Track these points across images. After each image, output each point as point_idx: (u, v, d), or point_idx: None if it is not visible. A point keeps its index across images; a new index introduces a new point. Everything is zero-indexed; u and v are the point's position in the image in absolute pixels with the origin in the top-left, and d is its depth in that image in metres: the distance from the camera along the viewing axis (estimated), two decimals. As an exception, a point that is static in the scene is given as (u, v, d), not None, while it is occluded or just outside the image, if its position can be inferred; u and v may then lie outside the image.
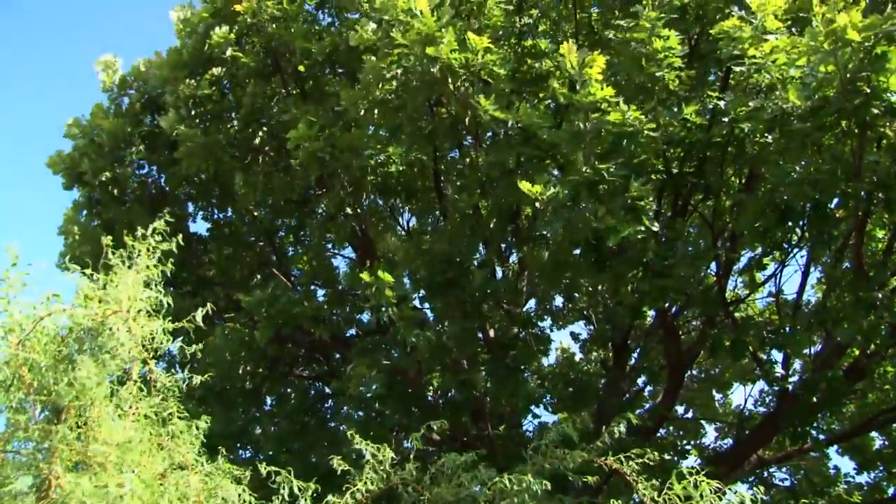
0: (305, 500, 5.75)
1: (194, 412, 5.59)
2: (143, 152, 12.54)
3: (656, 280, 8.66)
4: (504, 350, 10.34)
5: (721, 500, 4.97)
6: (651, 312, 11.87)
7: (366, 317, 11.91)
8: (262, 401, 14.00)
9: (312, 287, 13.80)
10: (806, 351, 12.16)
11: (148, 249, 5.39)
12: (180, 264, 11.07)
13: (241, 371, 12.75)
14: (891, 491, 12.92)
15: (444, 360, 10.29)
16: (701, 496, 4.91)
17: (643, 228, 7.87)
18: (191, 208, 13.72)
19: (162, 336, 5.32)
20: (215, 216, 13.87)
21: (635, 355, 12.85)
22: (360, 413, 11.68)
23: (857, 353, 10.68)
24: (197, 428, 5.39)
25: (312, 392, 14.45)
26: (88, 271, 5.20)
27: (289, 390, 14.31)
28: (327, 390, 13.80)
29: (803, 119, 8.41)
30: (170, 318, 5.36)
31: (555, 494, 6.77)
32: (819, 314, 9.60)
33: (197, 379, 5.75)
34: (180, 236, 5.63)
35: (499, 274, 11.70)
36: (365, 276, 9.07)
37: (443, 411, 10.40)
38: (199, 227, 21.78)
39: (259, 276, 13.74)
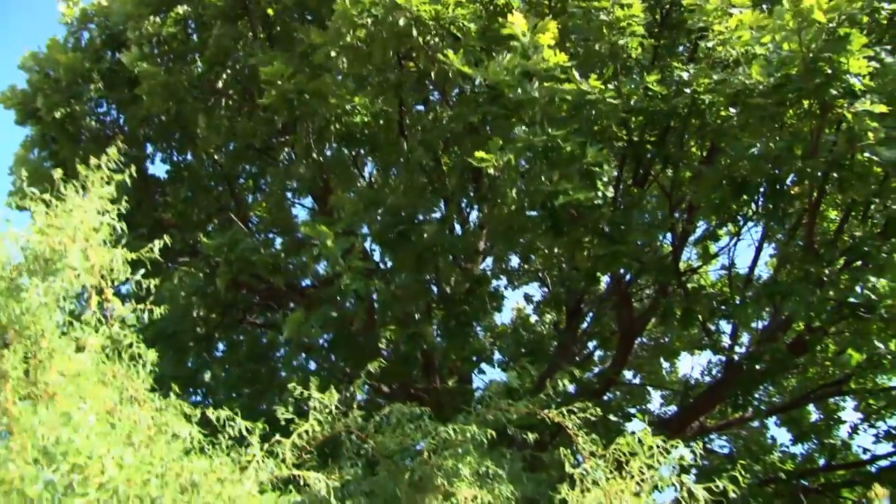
0: (253, 440, 5.75)
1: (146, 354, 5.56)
2: (102, 90, 12.23)
3: (611, 246, 8.77)
4: (456, 305, 10.42)
5: (666, 456, 5.10)
6: (605, 279, 12.03)
7: (322, 267, 11.91)
8: (214, 346, 13.97)
9: (270, 235, 13.72)
10: (754, 325, 12.48)
11: (102, 179, 5.30)
12: (136, 206, 10.97)
13: (194, 315, 12.70)
14: (821, 462, 13.37)
15: (396, 311, 10.34)
16: (645, 451, 5.03)
17: (598, 194, 7.95)
18: (149, 150, 13.49)
19: (120, 266, 5.26)
20: (174, 159, 13.67)
21: (588, 320, 13.05)
22: (310, 363, 11.73)
23: (801, 327, 10.95)
24: (145, 364, 5.37)
25: (265, 340, 14.45)
26: (45, 196, 5.10)
27: (241, 337, 14.29)
28: (280, 339, 13.80)
29: (765, 95, 8.52)
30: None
31: (499, 447, 6.90)
32: (769, 287, 9.80)
33: (156, 311, 5.71)
34: (133, 168, 5.53)
35: (458, 231, 11.73)
36: (306, 227, 9.07)
37: (393, 364, 10.48)
38: (158, 169, 21.44)
39: (217, 222, 13.61)
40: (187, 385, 13.04)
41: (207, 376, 13.73)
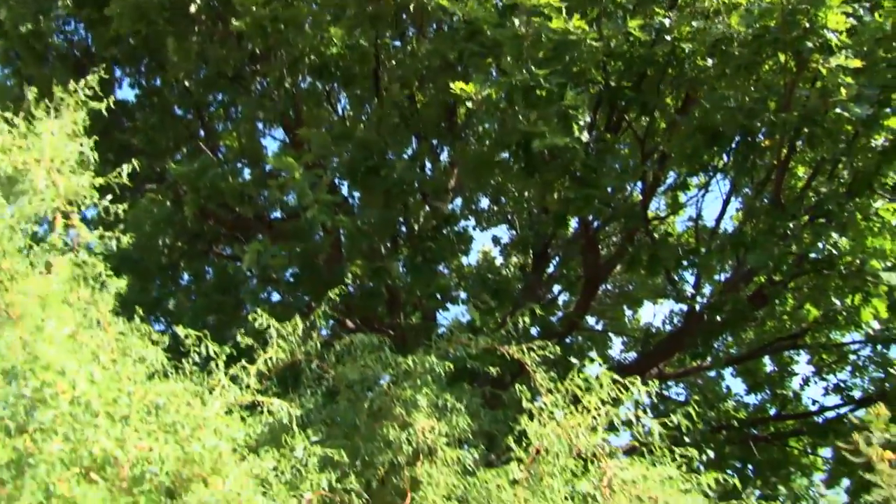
0: (218, 365, 5.76)
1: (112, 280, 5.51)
2: (70, 7, 11.88)
3: (582, 189, 8.79)
4: (423, 242, 10.41)
5: (623, 393, 5.19)
6: (573, 224, 12.08)
7: (290, 199, 11.81)
8: (179, 275, 13.87)
9: (239, 165, 13.54)
10: (717, 277, 12.66)
11: (77, 103, 5.18)
12: (104, 131, 10.73)
13: (160, 243, 12.57)
14: (772, 412, 13.73)
15: (362, 246, 10.30)
16: (602, 387, 5.12)
17: (573, 138, 7.93)
18: (117, 73, 13.16)
19: (87, 191, 5.17)
20: (143, 83, 13.35)
21: (554, 264, 13.13)
22: (274, 295, 11.71)
23: (762, 280, 11.13)
24: (109, 289, 5.33)
25: (231, 272, 14.36)
26: (8, 115, 4.98)
27: (207, 268, 14.18)
28: (246, 272, 13.72)
29: (743, 45, 8.52)
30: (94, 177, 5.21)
31: (459, 383, 6.99)
32: (733, 239, 9.93)
33: (123, 239, 5.65)
34: (112, 99, 5.42)
35: (428, 169, 11.68)
36: (275, 159, 8.98)
37: (358, 299, 10.51)
38: (126, 93, 20.99)
39: (185, 150, 13.39)
40: (151, 312, 12.96)
41: (172, 305, 13.66)
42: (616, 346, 15.32)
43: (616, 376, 5.22)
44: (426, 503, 5.45)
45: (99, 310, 5.13)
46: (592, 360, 5.52)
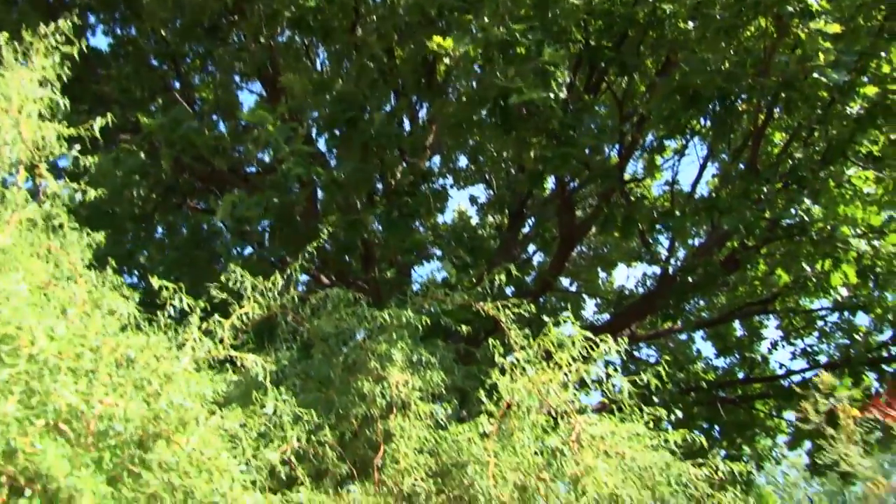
0: (192, 319, 5.72)
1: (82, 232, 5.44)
2: (40, -52, 11.57)
3: (560, 147, 8.80)
4: (399, 197, 10.37)
5: (594, 349, 5.26)
6: (550, 185, 12.11)
7: (266, 154, 11.68)
8: (153, 228, 13.73)
9: (214, 118, 13.35)
10: (690, 242, 12.80)
11: (48, 48, 5.06)
12: (76, 79, 10.49)
13: (133, 195, 12.41)
14: (740, 375, 13.97)
15: (338, 200, 10.25)
16: (574, 344, 5.18)
17: (551, 95, 7.92)
18: (91, 20, 12.87)
19: (56, 142, 5.09)
20: (118, 32, 13.08)
21: (530, 224, 13.17)
22: (249, 249, 11.64)
23: (735, 244, 11.25)
24: (82, 242, 5.28)
25: (205, 227, 14.22)
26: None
27: (181, 222, 14.04)
28: (221, 226, 13.60)
29: (724, 9, 8.51)
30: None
31: (433, 338, 7.02)
32: (708, 202, 10.01)
33: (91, 193, 5.58)
34: (85, 45, 5.29)
35: (407, 126, 11.60)
36: (249, 114, 8.87)
37: (333, 254, 10.47)
38: (99, 42, 20.58)
39: (160, 101, 13.17)
40: (124, 265, 12.83)
41: (144, 258, 13.52)
42: (589, 308, 15.50)
43: (588, 333, 5.29)
44: (398, 455, 5.50)
45: (70, 262, 5.08)
46: (566, 319, 5.56)
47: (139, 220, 12.95)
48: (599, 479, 4.33)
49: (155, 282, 5.65)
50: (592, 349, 5.27)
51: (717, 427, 13.05)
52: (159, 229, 14.02)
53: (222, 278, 6.49)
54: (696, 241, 12.79)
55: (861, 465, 5.45)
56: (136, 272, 13.34)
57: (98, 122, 5.29)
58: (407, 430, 5.65)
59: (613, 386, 5.21)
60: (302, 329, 6.97)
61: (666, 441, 5.35)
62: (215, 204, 12.65)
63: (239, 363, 5.65)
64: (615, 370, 5.29)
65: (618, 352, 5.28)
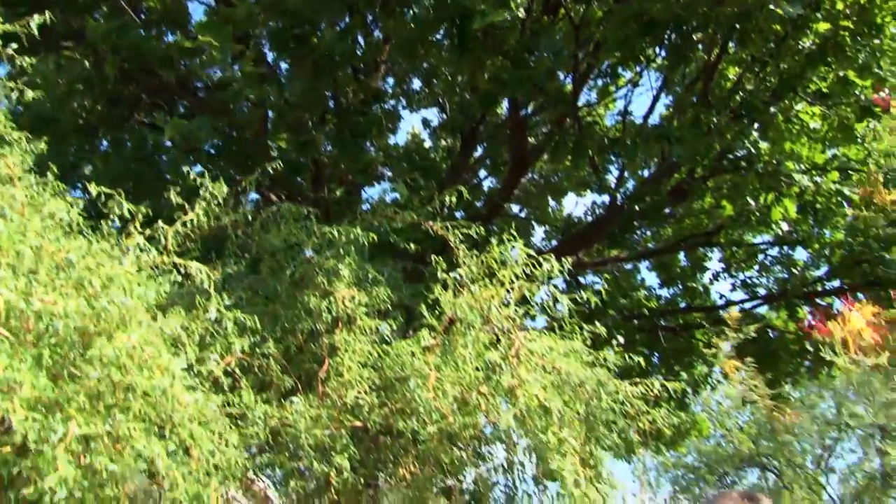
0: (136, 225, 5.65)
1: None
2: None
3: (516, 69, 8.74)
4: (351, 116, 10.24)
5: (538, 269, 5.34)
6: (503, 110, 12.05)
7: (218, 72, 11.36)
8: (98, 140, 13.35)
9: (163, 29, 12.89)
10: (640, 172, 12.92)
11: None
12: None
13: (76, 106, 12.03)
14: (682, 304, 14.34)
15: (289, 119, 10.09)
16: (517, 262, 5.25)
17: (509, 17, 7.83)
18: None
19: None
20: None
21: (481, 148, 13.14)
22: (197, 167, 11.40)
23: (683, 174, 11.41)
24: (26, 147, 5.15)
25: (151, 143, 13.87)
26: None
27: (126, 135, 13.66)
28: (167, 143, 13.28)
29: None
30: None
31: (381, 257, 7.06)
32: (659, 130, 10.09)
33: (29, 94, 5.42)
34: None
35: (360, 44, 11.34)
36: (199, 28, 8.61)
37: (283, 172, 10.30)
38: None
39: (105, 9, 12.65)
40: (67, 177, 12.49)
41: (88, 170, 13.18)
42: (538, 235, 15.61)
43: (531, 252, 5.36)
44: (342, 369, 5.57)
45: (8, 164, 4.96)
46: (510, 238, 5.59)
47: (83, 131, 12.58)
48: (530, 392, 4.45)
49: (95, 189, 5.55)
50: (536, 268, 5.35)
51: (656, 354, 13.43)
52: (104, 142, 13.64)
53: (170, 192, 6.37)
54: (646, 173, 12.92)
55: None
56: (79, 185, 13.01)
57: (36, 20, 5.11)
58: (352, 344, 5.72)
59: (555, 303, 5.32)
60: (250, 243, 6.94)
61: (605, 360, 5.51)
62: (162, 120, 12.33)
63: (183, 271, 5.61)
64: (558, 290, 5.38)
65: (561, 272, 5.37)
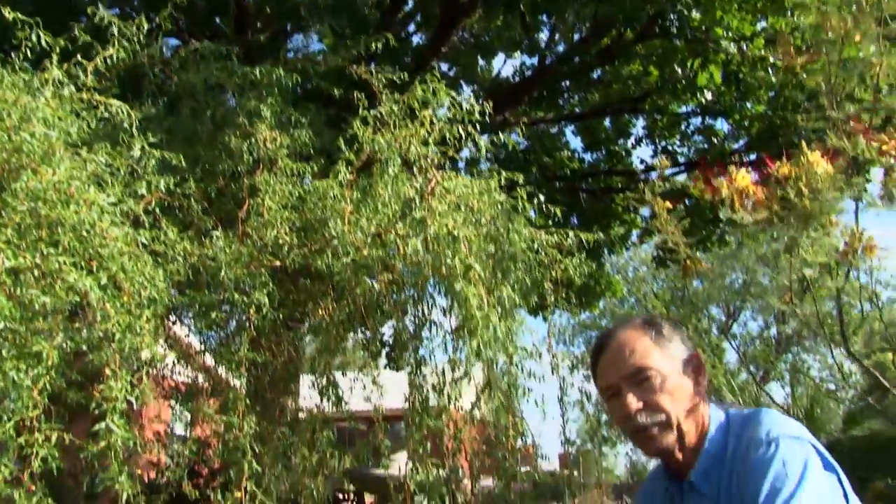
0: (52, 58, 5.45)
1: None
2: None
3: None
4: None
5: (457, 109, 5.39)
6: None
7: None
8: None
9: None
10: (571, 35, 12.85)
11: None
12: None
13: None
14: (604, 168, 14.64)
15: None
16: (436, 97, 5.29)
17: None
18: None
19: None
20: None
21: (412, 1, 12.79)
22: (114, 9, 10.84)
23: (612, 36, 11.42)
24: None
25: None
26: None
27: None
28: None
29: None
30: None
31: (305, 102, 6.99)
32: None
33: None
34: None
35: None
36: None
37: (203, 13, 9.92)
38: None
39: None
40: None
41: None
42: (465, 93, 15.48)
43: (453, 93, 5.41)
44: (262, 209, 5.62)
45: None
46: (437, 80, 5.56)
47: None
48: (440, 221, 4.58)
49: (8, 13, 5.31)
50: (454, 107, 5.42)
51: (576, 215, 13.74)
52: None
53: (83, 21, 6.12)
54: (577, 37, 12.85)
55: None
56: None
57: None
58: (272, 185, 5.75)
59: (475, 147, 5.41)
60: (169, 83, 6.79)
61: (523, 208, 5.68)
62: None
63: (102, 107, 5.49)
64: (476, 131, 5.45)
65: (482, 115, 5.44)
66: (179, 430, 8.96)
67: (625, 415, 1.97)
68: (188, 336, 7.98)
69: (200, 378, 7.94)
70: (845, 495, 1.83)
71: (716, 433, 1.98)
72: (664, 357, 2.01)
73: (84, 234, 4.27)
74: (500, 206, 5.16)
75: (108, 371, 4.01)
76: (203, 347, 6.94)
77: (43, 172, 4.33)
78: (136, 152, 5.30)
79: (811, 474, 1.75)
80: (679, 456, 1.99)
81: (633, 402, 1.96)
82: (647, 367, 1.98)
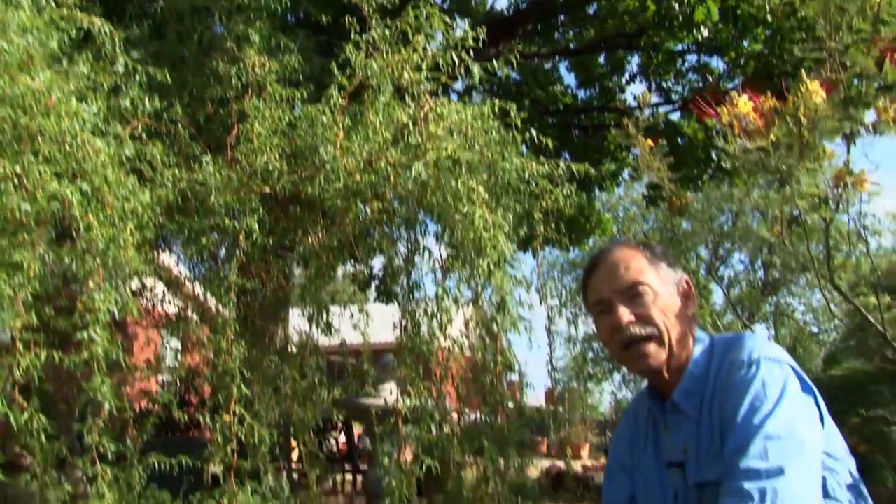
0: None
1: None
2: None
3: None
4: None
5: (449, 35, 5.28)
6: None
7: None
8: None
9: None
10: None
11: None
12: None
13: None
14: (598, 104, 14.49)
15: None
16: (430, 26, 5.18)
17: None
18: None
19: None
20: None
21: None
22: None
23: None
24: None
25: None
26: None
27: None
28: None
29: None
30: None
31: (295, 29, 6.84)
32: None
33: None
34: None
35: None
36: None
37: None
38: None
39: None
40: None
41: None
42: (459, 28, 15.19)
43: (446, 18, 5.30)
44: (252, 135, 5.54)
45: None
46: (429, 4, 5.42)
47: None
48: (440, 145, 4.54)
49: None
50: (448, 33, 5.32)
51: (568, 151, 13.64)
52: None
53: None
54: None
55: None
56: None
57: None
58: (262, 111, 5.66)
59: (467, 73, 5.32)
60: (154, 6, 6.63)
61: (513, 138, 5.61)
62: None
63: (85, 24, 5.34)
64: (470, 57, 5.36)
65: (475, 40, 5.34)
66: (170, 360, 8.99)
67: (615, 326, 1.98)
68: (178, 265, 7.95)
69: (190, 308, 7.93)
70: (821, 417, 1.88)
71: (700, 355, 2.00)
72: (658, 277, 2.02)
73: (66, 145, 4.18)
74: (493, 133, 5.09)
75: (90, 283, 3.97)
76: (192, 275, 6.91)
77: (21, 80, 4.22)
78: (120, 68, 5.17)
79: (789, 395, 1.79)
80: (666, 375, 2.01)
81: (626, 314, 1.97)
82: (641, 283, 1.99)
